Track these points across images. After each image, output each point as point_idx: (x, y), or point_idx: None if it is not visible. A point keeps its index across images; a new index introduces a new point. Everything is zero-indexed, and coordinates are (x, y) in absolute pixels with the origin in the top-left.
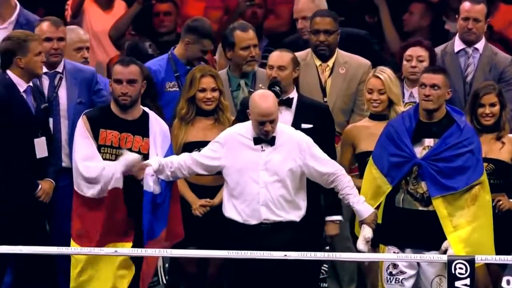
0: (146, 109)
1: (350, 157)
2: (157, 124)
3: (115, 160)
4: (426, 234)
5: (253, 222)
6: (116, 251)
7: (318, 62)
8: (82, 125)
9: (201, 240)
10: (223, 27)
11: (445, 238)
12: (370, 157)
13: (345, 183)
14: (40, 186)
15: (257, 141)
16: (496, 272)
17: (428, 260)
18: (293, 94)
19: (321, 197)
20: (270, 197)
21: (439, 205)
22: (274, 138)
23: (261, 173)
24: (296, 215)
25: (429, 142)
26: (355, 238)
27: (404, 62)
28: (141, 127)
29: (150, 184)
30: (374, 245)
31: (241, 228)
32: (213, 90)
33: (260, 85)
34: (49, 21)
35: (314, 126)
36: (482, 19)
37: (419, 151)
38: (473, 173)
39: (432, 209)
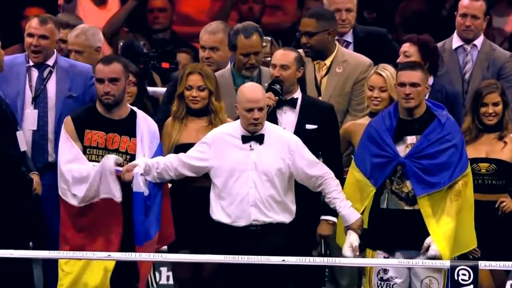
0: (135, 108)
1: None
2: (144, 123)
3: (100, 162)
4: (414, 234)
5: (242, 223)
6: (109, 255)
7: (316, 60)
8: (64, 128)
9: (194, 244)
10: (219, 15)
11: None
12: (352, 160)
13: (332, 186)
14: (33, 180)
15: (245, 139)
16: (500, 277)
17: (430, 266)
18: (297, 94)
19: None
20: (259, 197)
21: (423, 204)
22: (262, 136)
23: (250, 172)
24: (286, 217)
25: (411, 139)
26: None
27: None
28: (128, 127)
29: (140, 184)
30: (361, 250)
31: (229, 231)
32: (200, 89)
33: (265, 84)
34: (37, 18)
35: (319, 127)
36: (480, 16)
37: (402, 150)
38: (457, 168)
39: (418, 208)
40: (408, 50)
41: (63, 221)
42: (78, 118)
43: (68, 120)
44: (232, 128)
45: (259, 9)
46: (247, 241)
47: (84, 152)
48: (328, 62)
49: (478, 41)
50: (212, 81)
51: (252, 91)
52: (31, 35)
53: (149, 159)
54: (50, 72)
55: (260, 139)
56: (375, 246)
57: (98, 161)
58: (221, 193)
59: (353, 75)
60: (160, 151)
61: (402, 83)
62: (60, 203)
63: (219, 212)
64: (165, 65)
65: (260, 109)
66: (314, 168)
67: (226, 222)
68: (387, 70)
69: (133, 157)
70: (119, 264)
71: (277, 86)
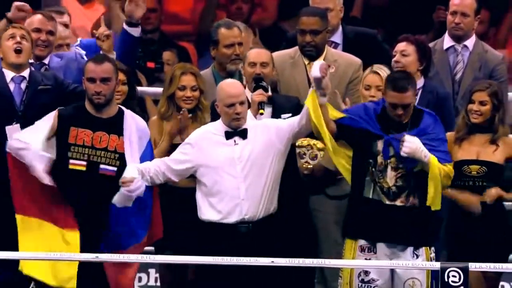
0: (123, 107)
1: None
2: (132, 121)
3: (86, 160)
4: (395, 228)
5: (233, 219)
6: (97, 256)
7: (306, 61)
8: (48, 117)
9: (178, 245)
10: (202, 19)
11: (414, 234)
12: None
13: None
14: None
15: (228, 135)
16: (492, 278)
17: (420, 268)
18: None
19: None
20: (250, 190)
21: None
22: (246, 130)
23: (238, 167)
24: (273, 209)
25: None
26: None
27: (392, 59)
28: (116, 126)
29: (127, 202)
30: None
31: (219, 230)
32: (193, 89)
33: (245, 83)
34: (41, 14)
35: (293, 114)
36: (470, 14)
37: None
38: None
39: (399, 204)
40: (406, 49)
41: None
42: (65, 114)
43: (56, 113)
44: (214, 127)
45: (247, 8)
46: (238, 241)
47: (69, 150)
48: None
49: (470, 42)
50: (202, 80)
51: (232, 86)
52: (39, 30)
53: (140, 165)
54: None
55: (243, 134)
56: (357, 235)
57: (83, 159)
58: (211, 190)
59: (347, 75)
60: (150, 148)
61: (394, 104)
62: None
63: (208, 210)
64: (150, 64)
65: (241, 104)
66: (293, 118)
67: (216, 219)
68: (383, 69)
69: (122, 156)
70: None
71: (264, 83)
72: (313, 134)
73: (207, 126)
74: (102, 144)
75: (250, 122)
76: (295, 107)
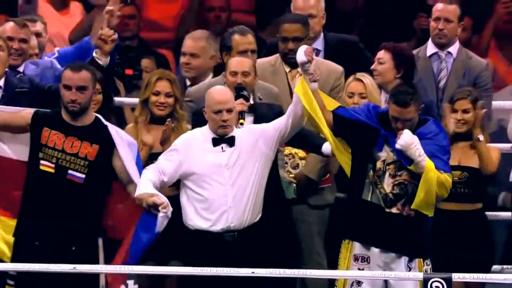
0: (100, 116)
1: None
2: (117, 134)
3: (55, 163)
4: (390, 235)
5: (219, 226)
6: (74, 267)
7: (287, 69)
8: (21, 108)
9: (160, 255)
10: (180, 26)
11: (408, 244)
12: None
13: None
14: None
15: (216, 142)
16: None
17: (403, 278)
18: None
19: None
20: (237, 198)
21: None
22: (233, 138)
23: (225, 174)
24: (258, 217)
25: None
26: (327, 254)
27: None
28: (90, 134)
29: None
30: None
31: (204, 239)
32: (168, 95)
33: (259, 94)
34: (13, 21)
35: None
36: (454, 20)
37: (386, 153)
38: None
39: (395, 212)
40: (382, 57)
41: None
42: (40, 115)
43: (32, 111)
44: (201, 133)
45: (225, 16)
46: (223, 250)
47: (40, 150)
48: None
49: (454, 49)
50: (178, 87)
51: (220, 93)
52: (11, 38)
53: (149, 181)
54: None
55: (231, 141)
56: (354, 237)
57: (51, 162)
58: (197, 197)
59: (328, 83)
60: (139, 156)
61: (395, 117)
62: None
63: (194, 217)
64: (128, 71)
65: (229, 111)
66: (279, 120)
67: (204, 227)
68: (366, 77)
69: (91, 163)
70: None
71: (245, 92)
72: (297, 143)
73: (194, 132)
74: (73, 150)
75: (237, 129)
76: (278, 116)
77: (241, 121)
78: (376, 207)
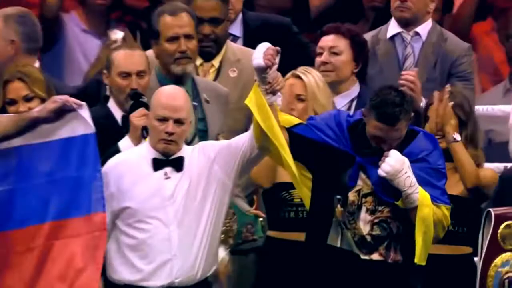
0: None
1: None
2: None
3: None
4: None
5: (159, 282)
6: None
7: (198, 61)
8: None
9: None
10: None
11: None
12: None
13: None
14: None
15: (157, 165)
16: None
17: None
18: None
19: None
20: (185, 243)
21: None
22: (181, 159)
23: (169, 210)
24: (213, 267)
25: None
26: None
27: (316, 59)
28: None
29: None
30: None
31: None
32: (27, 99)
33: (205, 95)
34: None
35: None
36: None
37: (362, 182)
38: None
39: (376, 259)
40: (337, 45)
41: None
42: None
43: None
44: (137, 152)
45: None
46: None
47: None
48: (216, 63)
49: (422, 28)
50: (41, 84)
51: (171, 96)
52: None
53: None
54: None
55: (178, 164)
56: None
57: None
58: (129, 242)
59: (253, 80)
60: None
61: (376, 137)
62: None
63: (121, 267)
64: None
65: (178, 122)
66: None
67: (132, 280)
68: (309, 73)
69: None
70: None
71: (145, 98)
72: None
73: (128, 153)
74: None
75: (188, 147)
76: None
77: (145, 140)
78: (348, 254)
